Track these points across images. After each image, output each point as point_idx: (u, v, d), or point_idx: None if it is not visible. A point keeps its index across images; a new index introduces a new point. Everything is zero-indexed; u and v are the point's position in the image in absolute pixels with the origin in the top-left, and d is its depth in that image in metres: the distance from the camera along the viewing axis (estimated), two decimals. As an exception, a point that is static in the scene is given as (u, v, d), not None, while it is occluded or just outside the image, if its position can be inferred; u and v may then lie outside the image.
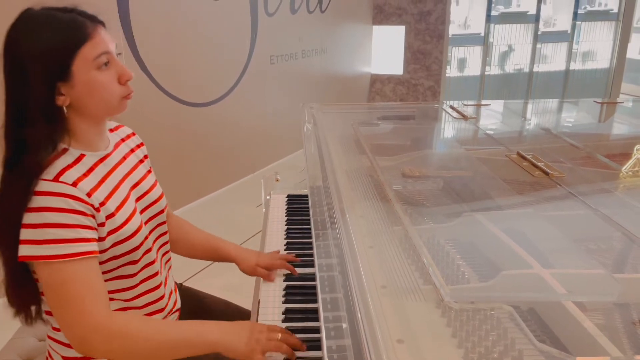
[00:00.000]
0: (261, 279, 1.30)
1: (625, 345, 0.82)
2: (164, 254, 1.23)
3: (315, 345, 1.00)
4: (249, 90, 4.03)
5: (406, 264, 0.98)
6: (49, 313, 1.08)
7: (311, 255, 1.29)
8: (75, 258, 0.93)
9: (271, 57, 4.25)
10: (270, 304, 1.19)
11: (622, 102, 2.55)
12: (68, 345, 1.08)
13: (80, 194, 0.95)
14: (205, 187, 3.75)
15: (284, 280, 1.29)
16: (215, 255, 1.36)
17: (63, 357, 1.09)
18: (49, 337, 1.11)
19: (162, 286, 1.17)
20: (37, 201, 0.91)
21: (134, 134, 1.23)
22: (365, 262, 0.98)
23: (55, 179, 0.93)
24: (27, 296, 1.02)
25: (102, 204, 0.99)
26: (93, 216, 0.97)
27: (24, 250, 0.92)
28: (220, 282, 2.56)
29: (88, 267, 0.95)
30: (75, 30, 0.95)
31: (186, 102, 3.45)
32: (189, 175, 3.57)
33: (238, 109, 3.95)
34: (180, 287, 1.37)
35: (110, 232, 1.00)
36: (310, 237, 1.41)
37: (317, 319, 1.03)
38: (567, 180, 1.29)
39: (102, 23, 1.00)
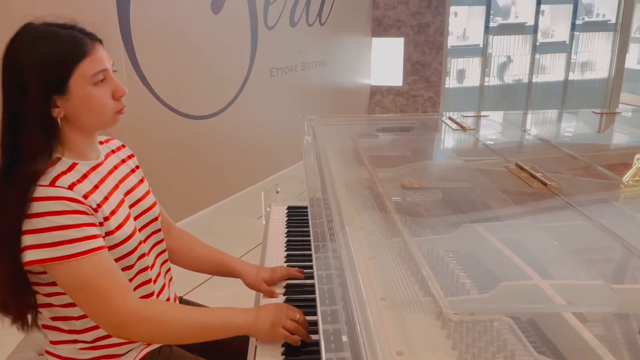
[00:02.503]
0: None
1: (625, 356, 0.82)
2: (163, 263, 1.24)
3: (315, 358, 1.00)
4: (249, 103, 4.05)
5: (405, 275, 0.98)
6: (46, 327, 1.08)
7: (311, 267, 1.29)
8: (88, 254, 0.96)
9: (271, 69, 4.28)
10: (271, 316, 1.18)
11: (620, 112, 2.56)
12: (67, 359, 1.08)
13: (77, 196, 0.97)
14: (205, 199, 3.76)
15: (284, 294, 1.29)
16: (220, 269, 1.36)
17: (62, 371, 1.09)
18: (48, 352, 1.11)
19: (155, 295, 1.17)
20: (37, 207, 0.93)
21: (124, 146, 1.26)
22: (365, 274, 0.99)
23: (52, 184, 0.96)
24: (24, 305, 1.03)
25: (98, 205, 1.02)
26: (93, 215, 1.00)
27: (30, 256, 0.94)
28: (220, 295, 2.56)
29: (104, 260, 0.99)
30: (74, 46, 0.98)
31: (187, 114, 3.46)
32: (190, 187, 3.58)
33: (238, 121, 3.96)
34: (181, 300, 1.37)
35: (105, 234, 1.02)
36: (310, 249, 1.42)
37: (316, 332, 1.03)
38: (566, 191, 1.29)
39: (100, 41, 1.03)
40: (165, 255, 1.25)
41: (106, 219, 1.03)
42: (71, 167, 1.02)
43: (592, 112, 2.48)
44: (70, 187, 0.98)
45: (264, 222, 1.74)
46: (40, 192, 0.94)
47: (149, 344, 1.15)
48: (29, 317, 1.06)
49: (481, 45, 6.04)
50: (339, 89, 5.48)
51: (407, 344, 0.80)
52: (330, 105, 5.25)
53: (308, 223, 1.36)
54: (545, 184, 1.32)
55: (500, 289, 0.90)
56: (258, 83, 4.10)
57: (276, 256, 1.47)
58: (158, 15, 3.14)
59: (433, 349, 0.80)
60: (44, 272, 0.99)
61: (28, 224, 0.93)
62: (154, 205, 1.21)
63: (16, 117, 0.97)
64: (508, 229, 1.21)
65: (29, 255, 0.94)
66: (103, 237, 1.01)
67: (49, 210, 0.93)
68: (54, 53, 0.97)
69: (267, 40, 4.11)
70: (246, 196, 4.07)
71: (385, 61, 5.98)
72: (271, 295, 1.28)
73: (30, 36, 0.98)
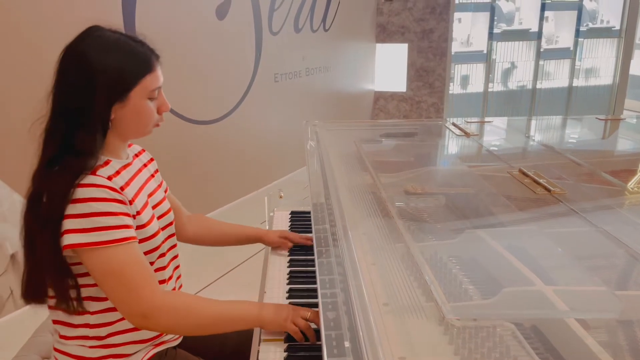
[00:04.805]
0: (264, 296, 1.31)
1: (629, 363, 0.81)
2: (175, 268, 1.27)
3: (318, 363, 0.99)
4: (253, 108, 4.07)
5: (408, 281, 0.98)
6: (57, 322, 1.10)
7: (314, 272, 1.29)
8: (123, 243, 1.00)
9: (275, 75, 4.29)
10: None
11: (625, 119, 2.56)
12: (75, 357, 1.09)
13: (116, 186, 1.03)
14: (209, 204, 3.76)
15: (287, 298, 1.29)
16: (243, 238, 1.52)
17: (69, 369, 1.10)
18: (56, 350, 1.12)
19: None
20: (80, 193, 0.98)
21: (144, 150, 1.31)
22: (368, 279, 0.99)
23: (93, 173, 1.01)
24: (68, 285, 1.04)
25: (132, 199, 1.07)
26: (129, 206, 1.04)
27: (70, 239, 0.97)
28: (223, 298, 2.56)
29: (136, 250, 1.03)
30: (143, 60, 1.06)
31: (191, 119, 3.48)
32: (193, 192, 3.58)
33: (242, 126, 3.98)
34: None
35: (137, 228, 1.06)
36: (313, 254, 1.42)
37: (318, 337, 1.03)
38: (569, 197, 1.29)
39: (159, 58, 1.10)
40: (177, 261, 1.28)
41: (138, 213, 1.08)
42: (106, 163, 1.07)
43: (596, 118, 2.48)
44: (109, 179, 1.03)
45: (267, 227, 1.75)
46: (83, 179, 0.99)
47: (156, 345, 1.16)
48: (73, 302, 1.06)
49: (485, 52, 6.05)
50: (342, 95, 5.49)
51: (410, 350, 0.80)
52: (334, 111, 5.26)
53: (311, 228, 1.36)
54: (548, 190, 1.32)
55: (503, 295, 0.90)
56: (262, 88, 4.11)
57: (279, 261, 1.48)
58: (163, 20, 3.16)
59: (436, 355, 0.80)
60: (75, 264, 1.02)
61: (71, 209, 0.97)
62: (170, 210, 1.26)
63: (78, 113, 1.02)
64: (511, 235, 1.21)
65: (67, 239, 0.97)
66: (135, 229, 1.05)
67: (91, 196, 0.98)
68: (127, 62, 1.04)
69: (271, 46, 4.12)
70: (249, 201, 4.08)
71: (389, 67, 5.99)
72: (286, 246, 1.51)
73: (103, 40, 1.04)
